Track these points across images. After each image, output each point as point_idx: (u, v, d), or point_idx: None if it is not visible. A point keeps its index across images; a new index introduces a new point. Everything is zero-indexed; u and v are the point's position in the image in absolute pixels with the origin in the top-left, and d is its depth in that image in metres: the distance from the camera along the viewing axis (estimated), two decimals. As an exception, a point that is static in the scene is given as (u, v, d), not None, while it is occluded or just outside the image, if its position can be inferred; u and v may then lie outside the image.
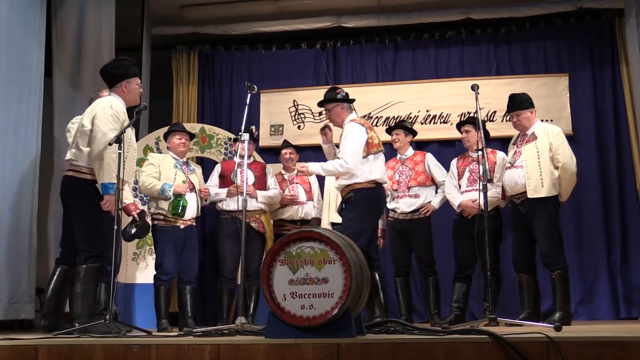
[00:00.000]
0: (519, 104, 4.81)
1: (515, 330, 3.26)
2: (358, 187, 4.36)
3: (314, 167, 4.53)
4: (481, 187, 4.34)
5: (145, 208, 5.16)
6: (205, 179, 5.53)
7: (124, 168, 3.91)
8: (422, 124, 6.68)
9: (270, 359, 2.75)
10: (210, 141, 6.29)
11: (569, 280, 4.64)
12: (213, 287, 6.03)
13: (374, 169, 4.39)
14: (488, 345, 2.64)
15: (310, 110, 6.96)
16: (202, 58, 7.34)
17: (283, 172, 5.72)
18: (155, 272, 4.95)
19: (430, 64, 6.94)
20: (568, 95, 6.51)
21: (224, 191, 5.23)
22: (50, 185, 5.48)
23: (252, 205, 5.14)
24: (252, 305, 5.14)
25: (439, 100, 6.71)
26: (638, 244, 6.18)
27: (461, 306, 4.97)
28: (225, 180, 5.25)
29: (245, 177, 4.53)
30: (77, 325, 3.73)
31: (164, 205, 4.92)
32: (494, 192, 4.88)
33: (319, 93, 6.84)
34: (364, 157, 4.36)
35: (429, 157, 5.37)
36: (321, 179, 5.73)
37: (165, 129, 5.46)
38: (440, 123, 6.69)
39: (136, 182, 5.24)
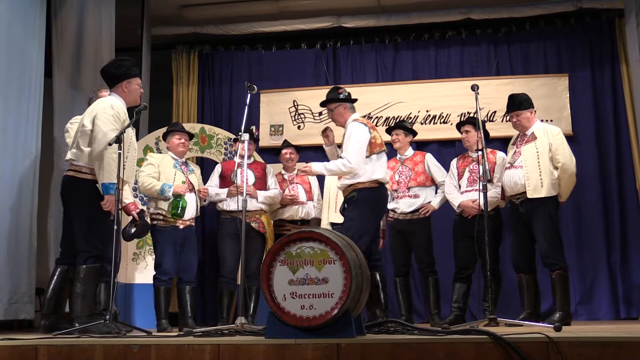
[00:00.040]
0: (518, 104, 4.81)
1: (515, 330, 3.26)
2: (361, 186, 4.36)
3: (317, 167, 4.53)
4: (481, 188, 4.34)
5: (144, 208, 5.17)
6: (205, 179, 5.53)
7: (124, 168, 3.91)
8: (422, 124, 6.69)
9: (270, 359, 2.75)
10: (210, 141, 6.29)
11: (568, 280, 4.64)
12: (213, 287, 6.03)
13: (377, 169, 4.39)
14: (488, 345, 2.64)
15: (310, 110, 6.96)
16: (202, 58, 7.35)
17: (283, 172, 5.73)
18: (154, 273, 4.95)
19: (430, 64, 6.95)
20: (568, 95, 6.52)
21: (224, 191, 5.23)
22: (50, 185, 5.48)
23: (253, 205, 5.15)
24: (252, 305, 5.14)
25: (438, 101, 6.71)
26: (638, 244, 6.18)
27: (461, 306, 4.97)
28: (226, 180, 5.25)
29: (245, 177, 4.54)
30: (77, 325, 3.73)
31: (164, 205, 4.92)
32: (493, 192, 4.88)
33: (319, 93, 6.89)
34: (367, 157, 4.36)
35: (429, 158, 5.37)
36: (321, 179, 5.73)
37: (164, 129, 5.46)
38: (440, 123, 6.70)
39: (136, 182, 5.24)
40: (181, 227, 4.98)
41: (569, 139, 5.93)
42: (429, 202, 5.23)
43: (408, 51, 7.02)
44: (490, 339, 2.65)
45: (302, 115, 6.99)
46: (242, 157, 4.56)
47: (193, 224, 5.15)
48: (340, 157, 4.40)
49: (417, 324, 4.30)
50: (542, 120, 5.34)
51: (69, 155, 4.08)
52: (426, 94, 6.77)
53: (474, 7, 6.68)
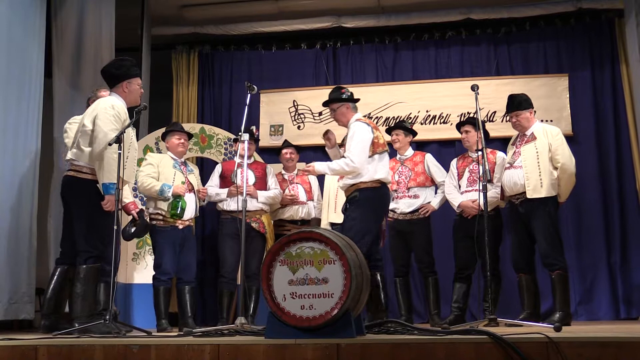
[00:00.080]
0: (517, 104, 4.82)
1: (515, 330, 3.26)
2: (363, 186, 4.35)
3: (320, 166, 4.53)
4: (481, 188, 4.34)
5: (144, 207, 5.17)
6: (205, 179, 5.53)
7: (124, 168, 3.91)
8: (422, 124, 6.69)
9: (270, 359, 2.74)
10: (210, 141, 6.29)
11: (568, 280, 4.64)
12: (213, 287, 6.03)
13: (379, 169, 4.39)
14: (488, 345, 2.64)
15: (310, 110, 6.97)
16: (202, 58, 7.34)
17: (283, 172, 5.73)
18: (154, 273, 4.95)
19: (430, 64, 6.94)
20: (568, 95, 6.52)
21: (224, 191, 5.23)
22: (50, 185, 5.48)
23: (253, 205, 5.15)
24: (252, 305, 5.14)
25: (438, 101, 6.71)
26: (638, 244, 6.18)
27: (461, 306, 4.97)
28: (226, 180, 5.25)
29: (245, 177, 4.54)
30: (77, 325, 3.73)
31: (163, 205, 4.92)
32: (493, 192, 4.88)
33: (319, 93, 6.92)
34: (369, 157, 4.36)
35: (429, 158, 5.37)
36: (321, 179, 5.73)
37: (164, 129, 5.45)
38: (440, 123, 6.70)
39: (135, 182, 5.24)
40: (180, 227, 4.98)
41: (569, 139, 5.94)
42: (429, 203, 5.23)
43: (408, 51, 7.01)
44: (490, 339, 2.65)
45: (302, 116, 6.99)
46: (242, 157, 4.55)
47: (192, 224, 5.15)
48: (343, 157, 4.40)
49: (417, 324, 4.30)
50: (542, 121, 5.35)
51: (69, 155, 4.08)
52: (426, 94, 6.76)
53: (474, 7, 6.68)
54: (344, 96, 4.57)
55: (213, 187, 5.34)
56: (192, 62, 7.29)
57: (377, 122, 6.72)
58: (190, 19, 7.00)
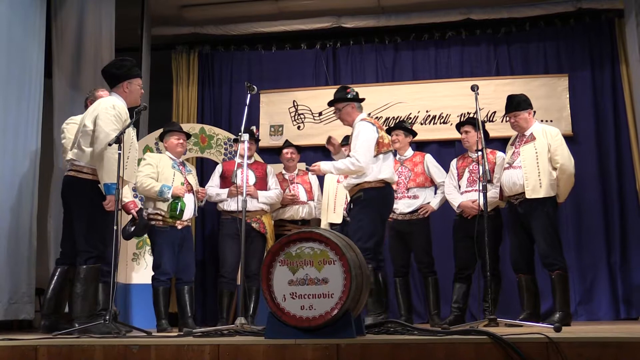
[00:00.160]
0: (516, 104, 4.82)
1: (515, 330, 3.26)
2: (367, 186, 4.35)
3: (326, 166, 4.54)
4: (481, 188, 4.34)
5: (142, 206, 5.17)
6: (205, 179, 5.53)
7: (125, 168, 3.91)
8: (421, 124, 6.69)
9: (270, 359, 2.75)
10: (210, 141, 6.29)
11: (568, 280, 4.64)
12: (213, 288, 6.04)
13: (384, 169, 4.39)
14: (488, 345, 2.64)
15: (310, 110, 6.97)
16: (202, 58, 7.34)
17: (284, 172, 5.73)
18: (153, 273, 4.95)
19: (430, 65, 6.94)
20: (568, 95, 6.52)
21: (224, 191, 5.24)
22: (50, 185, 5.47)
23: (253, 205, 5.15)
24: (252, 305, 5.14)
25: (438, 101, 6.71)
26: (638, 244, 6.18)
27: (461, 307, 4.97)
28: (227, 180, 5.25)
29: (245, 177, 4.53)
30: (76, 325, 3.73)
31: (162, 206, 4.92)
32: (492, 192, 4.88)
33: (319, 93, 6.94)
34: (374, 156, 4.36)
35: (428, 158, 5.38)
36: (321, 179, 5.74)
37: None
38: (440, 123, 6.70)
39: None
40: (179, 227, 4.98)
41: (569, 139, 5.95)
42: (428, 203, 5.23)
43: (408, 51, 7.01)
44: (490, 339, 2.65)
45: (302, 116, 6.99)
46: (242, 157, 4.56)
47: (190, 224, 5.15)
48: (349, 157, 4.40)
49: (416, 325, 4.30)
50: (541, 121, 5.35)
51: (70, 156, 4.08)
52: (426, 94, 6.76)
53: (473, 8, 6.68)
54: (349, 96, 4.57)
55: (213, 187, 5.35)
56: (192, 62, 7.29)
57: (377, 123, 6.72)
58: (190, 19, 6.99)
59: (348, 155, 4.43)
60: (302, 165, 5.85)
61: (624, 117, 6.41)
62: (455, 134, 5.68)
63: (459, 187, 5.16)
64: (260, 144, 6.53)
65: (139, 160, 5.34)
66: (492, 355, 2.61)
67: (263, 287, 2.96)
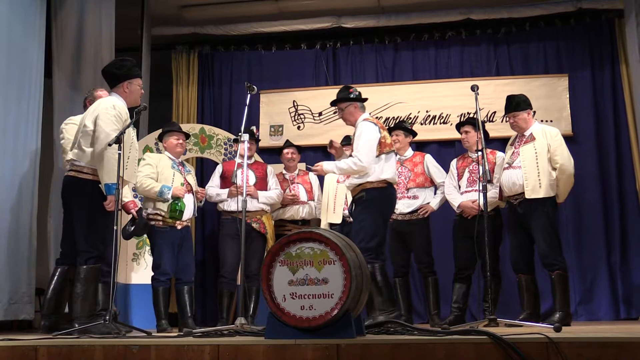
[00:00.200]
0: (515, 105, 4.82)
1: (514, 330, 3.26)
2: (369, 186, 4.35)
3: (328, 166, 4.54)
4: (481, 188, 4.34)
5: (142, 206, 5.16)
6: (205, 180, 5.53)
7: (125, 168, 3.91)
8: (421, 124, 6.69)
9: (270, 360, 2.75)
10: (210, 142, 6.29)
11: (568, 280, 4.64)
12: (213, 288, 6.03)
13: (386, 169, 4.38)
14: (488, 346, 2.64)
15: (310, 110, 6.97)
16: (202, 58, 7.34)
17: (284, 172, 5.73)
18: (153, 273, 4.95)
19: (430, 65, 6.94)
20: (568, 95, 6.52)
21: (225, 192, 5.24)
22: (50, 185, 5.47)
23: (253, 205, 5.15)
24: (252, 305, 5.14)
25: (438, 101, 6.71)
26: (638, 244, 6.18)
27: (461, 307, 4.97)
28: (227, 180, 5.25)
29: (245, 177, 4.53)
30: (76, 325, 3.73)
31: (162, 206, 4.91)
32: (492, 192, 4.88)
33: (319, 93, 6.94)
34: (376, 156, 4.36)
35: (428, 159, 5.38)
36: (321, 179, 5.74)
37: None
38: (440, 124, 6.70)
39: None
40: (179, 227, 4.98)
41: (569, 139, 5.95)
42: (428, 203, 5.23)
43: (408, 51, 7.01)
44: (490, 339, 2.65)
45: (301, 116, 6.99)
46: (242, 157, 4.56)
47: (189, 224, 5.15)
48: (351, 156, 4.40)
49: (416, 325, 4.30)
50: (541, 121, 5.34)
51: (70, 156, 4.08)
52: (426, 95, 6.76)
53: (473, 8, 6.68)
54: (352, 95, 4.57)
55: (214, 187, 5.35)
56: (192, 63, 7.29)
57: (377, 123, 6.72)
58: (190, 19, 6.99)
59: (350, 155, 4.43)
60: (302, 166, 5.86)
61: (624, 117, 6.41)
62: (455, 134, 5.68)
63: (459, 187, 5.16)
64: (260, 144, 6.53)
65: (139, 161, 5.35)
66: (492, 355, 2.61)
67: (263, 287, 2.96)
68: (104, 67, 4.24)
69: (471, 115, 6.03)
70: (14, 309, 4.80)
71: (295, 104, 7.02)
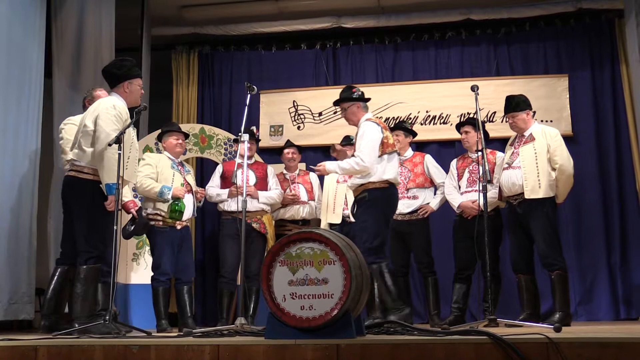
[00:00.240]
0: (514, 105, 4.81)
1: (514, 331, 3.26)
2: (371, 187, 4.35)
3: (331, 166, 4.54)
4: (481, 188, 4.34)
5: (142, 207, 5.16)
6: (205, 180, 5.53)
7: (126, 168, 3.91)
8: (421, 124, 6.69)
9: (270, 360, 2.75)
10: (210, 142, 6.29)
11: (568, 280, 4.63)
12: (213, 288, 6.03)
13: (388, 169, 4.38)
14: (488, 346, 2.64)
15: (310, 110, 6.97)
16: (202, 58, 7.35)
17: (285, 171, 5.74)
18: (152, 274, 4.95)
19: (430, 65, 6.94)
20: (568, 95, 6.52)
21: (225, 192, 5.24)
22: (50, 185, 5.47)
23: (254, 206, 5.15)
24: (252, 306, 5.14)
25: (438, 101, 6.71)
26: (638, 244, 6.18)
27: (461, 307, 4.97)
28: (227, 181, 5.25)
29: (245, 177, 4.53)
30: (76, 325, 3.73)
31: (162, 206, 4.91)
32: (492, 192, 4.87)
33: (319, 93, 6.94)
34: (379, 157, 4.35)
35: (428, 159, 5.38)
36: (322, 179, 5.74)
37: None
38: (440, 124, 6.70)
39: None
40: (179, 227, 4.98)
41: (569, 139, 5.95)
42: (428, 204, 5.23)
43: (408, 51, 7.02)
44: (490, 339, 2.65)
45: (302, 116, 6.99)
46: (242, 157, 4.56)
47: (189, 224, 5.15)
48: (353, 156, 4.40)
49: (416, 325, 4.29)
50: (541, 121, 5.34)
51: (70, 156, 4.08)
52: (426, 95, 6.76)
53: (473, 8, 6.68)
54: (354, 95, 4.57)
55: (214, 187, 5.35)
56: (192, 63, 7.29)
57: (377, 123, 6.72)
58: (190, 20, 6.99)
59: (352, 155, 4.43)
60: (302, 166, 5.86)
61: (624, 117, 6.41)
62: (455, 134, 5.67)
63: (459, 187, 5.16)
64: (260, 144, 6.54)
65: (139, 160, 5.35)
66: (492, 355, 2.61)
67: (263, 288, 2.96)
68: (104, 67, 4.24)
69: (471, 116, 6.02)
70: (14, 309, 4.80)
71: (295, 104, 7.02)
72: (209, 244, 6.74)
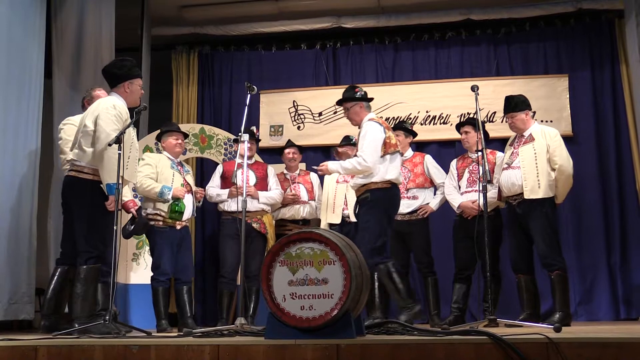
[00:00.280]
0: (513, 106, 4.81)
1: (514, 331, 3.27)
2: (374, 187, 4.34)
3: (333, 166, 4.54)
4: (481, 188, 4.34)
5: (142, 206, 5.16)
6: (205, 180, 5.53)
7: (126, 168, 3.91)
8: (421, 124, 6.69)
9: (270, 360, 2.75)
10: (210, 142, 6.29)
11: (568, 280, 4.63)
12: (213, 288, 6.03)
13: (390, 169, 4.37)
14: (488, 346, 2.64)
15: (310, 110, 6.97)
16: (202, 58, 7.34)
17: (285, 171, 5.74)
18: (152, 274, 4.95)
19: (430, 65, 6.94)
20: (568, 96, 6.52)
21: (225, 192, 5.24)
22: (50, 185, 5.47)
23: (254, 206, 5.15)
24: (252, 306, 5.14)
25: (438, 101, 6.71)
26: (638, 245, 6.18)
27: (461, 307, 4.96)
28: (227, 181, 5.25)
29: (246, 177, 4.53)
30: (76, 325, 3.73)
31: (162, 206, 4.91)
32: (492, 192, 4.87)
33: (319, 94, 6.94)
34: (381, 157, 4.35)
35: (428, 159, 5.38)
36: (322, 180, 5.74)
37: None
38: (440, 124, 6.70)
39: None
40: (178, 227, 4.98)
41: (569, 139, 5.95)
42: (427, 204, 5.23)
43: (408, 52, 7.01)
44: (490, 339, 2.65)
45: (301, 116, 6.99)
46: (242, 157, 4.56)
47: (188, 224, 5.15)
48: (355, 156, 4.40)
49: (416, 325, 4.29)
50: (541, 121, 5.34)
51: (71, 156, 4.08)
52: (426, 95, 6.76)
53: (473, 8, 6.68)
54: (357, 95, 4.56)
55: (214, 187, 5.35)
56: (192, 63, 7.29)
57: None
58: (190, 20, 6.99)
59: (355, 155, 4.43)
60: (302, 166, 5.86)
61: (624, 117, 6.41)
62: (455, 135, 5.67)
63: (459, 187, 5.16)
64: (260, 144, 6.54)
65: (139, 160, 5.35)
66: (492, 355, 2.61)
67: (263, 288, 2.96)
68: (105, 67, 4.24)
69: (471, 116, 6.02)
70: (14, 309, 4.80)
71: (295, 104, 7.02)
72: (209, 244, 6.74)
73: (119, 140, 3.78)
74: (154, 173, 4.96)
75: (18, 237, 4.89)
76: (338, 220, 5.41)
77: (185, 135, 5.35)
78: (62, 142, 4.64)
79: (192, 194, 5.12)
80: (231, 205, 5.14)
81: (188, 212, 5.02)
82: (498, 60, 6.81)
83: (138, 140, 4.68)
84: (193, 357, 2.81)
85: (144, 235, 5.19)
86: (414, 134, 5.58)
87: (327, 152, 6.77)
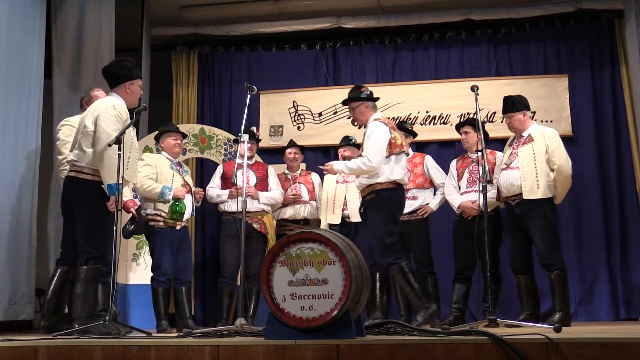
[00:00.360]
0: (511, 106, 4.81)
1: (514, 331, 3.27)
2: (379, 187, 4.33)
3: (339, 165, 4.54)
4: (481, 188, 4.34)
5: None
6: (205, 180, 5.53)
7: (126, 168, 3.91)
8: (421, 124, 6.69)
9: (270, 360, 2.75)
10: (210, 142, 6.29)
11: (567, 280, 4.63)
12: (213, 288, 6.03)
13: (396, 170, 4.36)
14: (488, 346, 2.64)
15: (310, 111, 6.97)
16: (202, 59, 7.34)
17: (286, 171, 5.74)
18: (152, 274, 4.95)
19: (430, 65, 6.94)
20: (568, 96, 6.52)
21: (225, 192, 5.23)
22: (50, 185, 5.47)
23: (254, 206, 5.15)
24: (252, 306, 5.14)
25: (438, 101, 6.71)
26: (638, 245, 6.18)
27: (461, 307, 4.96)
28: (227, 181, 5.25)
29: (246, 178, 4.53)
30: (76, 326, 3.72)
31: (162, 207, 4.90)
32: (491, 192, 4.87)
33: (319, 94, 6.95)
34: (386, 157, 4.34)
35: (428, 159, 5.38)
36: (323, 180, 5.74)
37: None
38: (440, 124, 6.70)
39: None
40: (178, 228, 4.98)
41: (569, 139, 5.95)
42: (427, 204, 5.24)
43: (408, 52, 7.01)
44: (490, 339, 2.65)
45: (301, 116, 6.99)
46: (242, 157, 4.55)
47: (187, 224, 5.15)
48: (361, 156, 4.39)
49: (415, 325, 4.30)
50: (541, 122, 5.33)
51: (71, 156, 4.08)
52: (426, 95, 6.76)
53: (473, 8, 6.68)
54: (363, 95, 4.56)
55: (214, 188, 5.35)
56: (192, 63, 7.29)
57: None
58: (190, 20, 7.00)
59: (360, 155, 4.42)
60: (302, 166, 5.85)
61: (624, 118, 6.42)
62: (455, 135, 5.67)
63: (459, 187, 5.16)
64: (260, 144, 6.53)
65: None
66: (492, 355, 2.61)
67: (263, 288, 2.96)
68: (105, 67, 4.24)
69: (471, 116, 6.02)
70: (14, 309, 4.80)
71: (295, 105, 7.02)
72: (209, 244, 6.74)
73: (119, 140, 3.77)
74: (153, 173, 4.96)
75: (18, 237, 4.89)
76: (338, 221, 5.41)
77: (184, 136, 5.35)
78: (59, 142, 4.65)
79: (192, 194, 5.11)
80: (231, 206, 5.14)
81: (187, 213, 5.02)
82: (498, 61, 6.82)
83: (138, 140, 4.68)
84: (193, 358, 2.81)
85: (144, 235, 5.19)
86: (414, 134, 5.58)
87: (327, 152, 6.78)
